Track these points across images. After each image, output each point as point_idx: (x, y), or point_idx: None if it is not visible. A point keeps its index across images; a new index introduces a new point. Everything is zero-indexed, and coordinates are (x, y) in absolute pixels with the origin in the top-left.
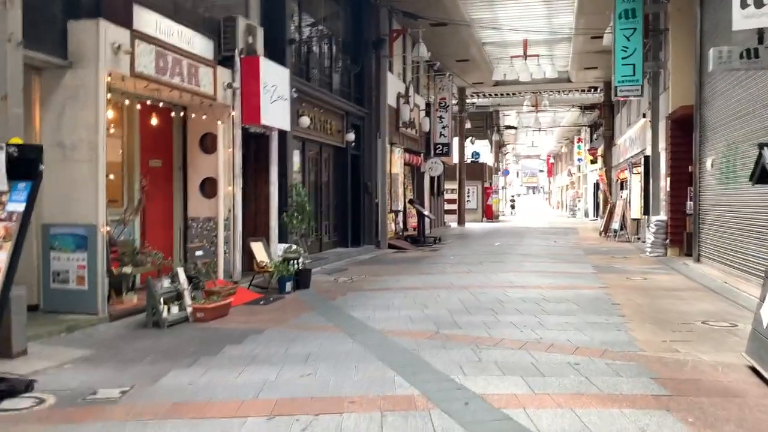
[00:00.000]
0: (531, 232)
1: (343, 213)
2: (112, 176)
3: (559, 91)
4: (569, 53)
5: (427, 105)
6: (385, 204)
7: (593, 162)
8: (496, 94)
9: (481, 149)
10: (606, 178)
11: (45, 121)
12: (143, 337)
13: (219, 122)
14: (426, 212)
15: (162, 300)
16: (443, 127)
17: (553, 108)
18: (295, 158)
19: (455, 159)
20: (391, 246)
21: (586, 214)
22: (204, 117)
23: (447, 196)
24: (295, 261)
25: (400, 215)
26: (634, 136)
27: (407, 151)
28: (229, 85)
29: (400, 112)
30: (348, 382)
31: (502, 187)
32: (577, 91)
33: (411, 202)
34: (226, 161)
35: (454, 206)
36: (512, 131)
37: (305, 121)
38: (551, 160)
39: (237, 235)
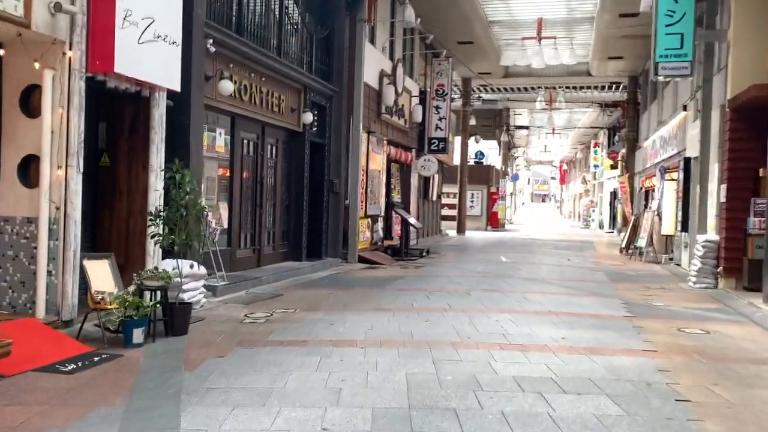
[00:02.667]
0: (540, 245)
1: (297, 217)
2: None
3: (576, 87)
4: (590, 40)
5: (422, 93)
6: (357, 207)
7: (613, 167)
8: (505, 89)
9: (488, 150)
10: (628, 186)
11: None
12: None
13: (47, 69)
14: (411, 219)
15: None
16: (440, 119)
17: (569, 107)
18: (218, 139)
19: (456, 159)
20: (362, 260)
21: (601, 226)
22: (28, 60)
23: (445, 200)
24: (158, 292)
25: (380, 221)
26: (669, 136)
27: (393, 144)
28: (58, 6)
29: (383, 95)
30: None
31: (511, 194)
32: (596, 88)
33: (392, 206)
34: (56, 130)
35: (454, 212)
36: (523, 132)
37: (226, 87)
38: (564, 167)
39: (72, 247)
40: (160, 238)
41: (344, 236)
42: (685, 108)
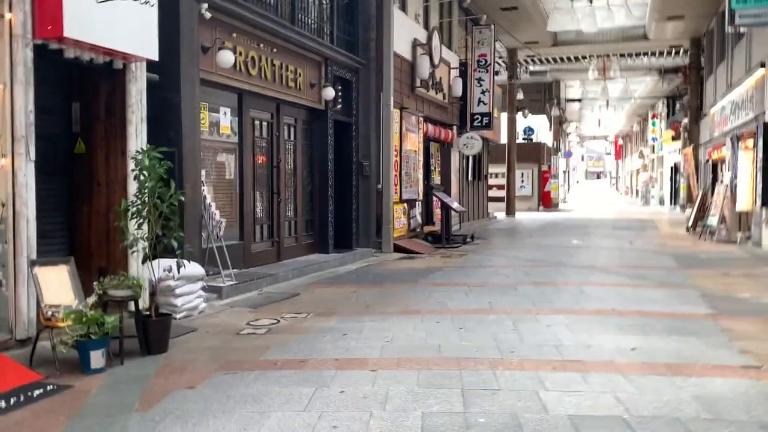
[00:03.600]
0: (597, 225)
1: (322, 205)
2: None
3: (632, 55)
4: None
5: (462, 64)
6: (390, 191)
7: (675, 139)
8: (554, 59)
9: (538, 126)
10: (693, 158)
11: None
12: None
13: None
14: (452, 203)
15: None
16: (483, 93)
17: (624, 76)
18: (222, 120)
19: (503, 137)
20: (398, 249)
21: (662, 202)
22: None
23: (493, 181)
24: (128, 301)
25: (419, 206)
26: (742, 99)
27: (430, 121)
28: None
29: (417, 67)
30: None
31: (564, 171)
32: (654, 55)
33: (431, 189)
34: None
35: (503, 193)
36: (575, 106)
37: (226, 58)
38: (620, 142)
39: (24, 252)
40: (129, 237)
41: (377, 224)
42: (763, 65)
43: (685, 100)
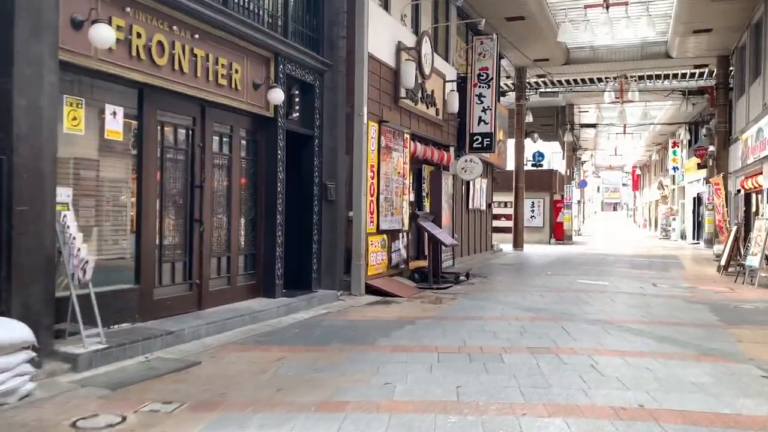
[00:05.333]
0: (613, 262)
1: (269, 236)
2: None
3: (652, 77)
4: (671, 8)
5: (461, 78)
6: (363, 220)
7: (701, 167)
8: (567, 81)
9: (551, 154)
10: (722, 188)
11: None
12: None
13: None
14: (441, 235)
15: None
16: (484, 111)
17: (644, 99)
18: (110, 122)
19: (511, 163)
20: (372, 290)
21: (683, 236)
22: None
23: (500, 210)
24: None
25: (404, 238)
26: None
27: (419, 139)
28: None
29: (402, 75)
30: None
31: (578, 201)
32: (676, 77)
33: (415, 217)
34: None
35: (510, 224)
36: (590, 134)
37: (102, 35)
38: (637, 172)
39: None
40: None
41: (347, 260)
42: None
43: (712, 124)
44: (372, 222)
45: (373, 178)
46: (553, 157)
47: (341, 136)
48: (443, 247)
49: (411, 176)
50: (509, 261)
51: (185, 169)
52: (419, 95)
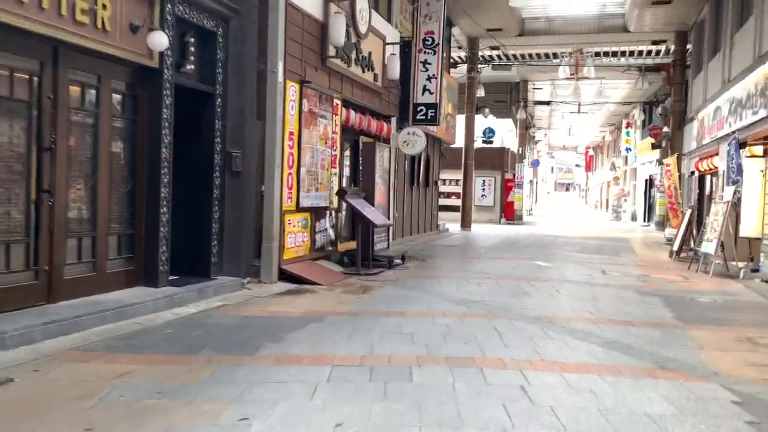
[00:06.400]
0: (563, 244)
1: (152, 212)
2: None
3: (608, 54)
4: None
5: (404, 43)
6: (278, 196)
7: (655, 147)
8: (522, 55)
9: (505, 132)
10: (675, 170)
11: None
12: None
13: None
14: (372, 214)
15: None
16: (429, 79)
17: (599, 76)
18: None
19: (459, 139)
20: (288, 277)
21: (634, 218)
22: None
23: (449, 188)
24: None
25: (331, 216)
26: (748, 93)
27: (353, 106)
28: None
29: (330, 30)
30: None
31: (530, 181)
32: (632, 55)
33: (342, 193)
34: None
35: (460, 202)
36: (544, 112)
37: None
38: (590, 152)
39: None
40: None
41: (258, 240)
42: None
43: (668, 103)
44: (290, 198)
45: (292, 148)
46: (507, 135)
47: (251, 97)
48: (376, 228)
49: (343, 148)
50: (454, 242)
51: (28, 128)
52: (353, 56)
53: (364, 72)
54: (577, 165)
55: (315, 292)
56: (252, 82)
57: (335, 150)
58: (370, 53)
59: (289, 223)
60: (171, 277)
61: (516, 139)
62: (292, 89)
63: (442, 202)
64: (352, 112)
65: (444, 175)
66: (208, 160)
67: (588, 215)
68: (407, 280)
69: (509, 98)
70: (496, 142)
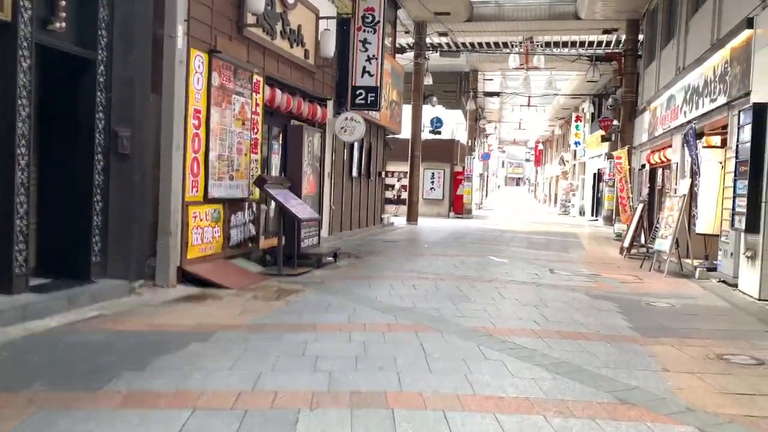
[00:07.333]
0: (510, 239)
1: (4, 201)
2: None
3: (558, 44)
4: None
5: (342, 19)
6: (180, 184)
7: (605, 139)
8: (472, 45)
9: (455, 125)
10: (626, 163)
11: None
12: None
13: None
14: (296, 207)
15: None
16: (369, 60)
17: (549, 67)
18: None
19: (406, 129)
20: (193, 279)
21: (582, 212)
22: None
23: (395, 181)
24: None
25: (251, 209)
26: (705, 80)
27: (279, 85)
28: None
29: None
30: None
31: (480, 174)
32: (583, 45)
33: (261, 182)
34: None
35: (405, 195)
36: (495, 105)
37: None
38: (540, 147)
39: None
40: None
41: (153, 234)
42: (750, 24)
43: (618, 94)
44: (196, 187)
45: (198, 128)
46: (457, 127)
47: (144, 66)
48: (303, 222)
49: (271, 133)
50: (397, 237)
51: None
52: (279, 28)
53: (292, 47)
54: (527, 160)
55: (220, 297)
56: (146, 48)
57: (256, 133)
58: (299, 26)
59: (195, 216)
60: (37, 281)
61: (466, 132)
62: (199, 59)
63: (390, 195)
64: (279, 91)
65: (391, 167)
66: (87, 139)
67: (537, 210)
68: (334, 281)
69: (459, 89)
70: (446, 134)
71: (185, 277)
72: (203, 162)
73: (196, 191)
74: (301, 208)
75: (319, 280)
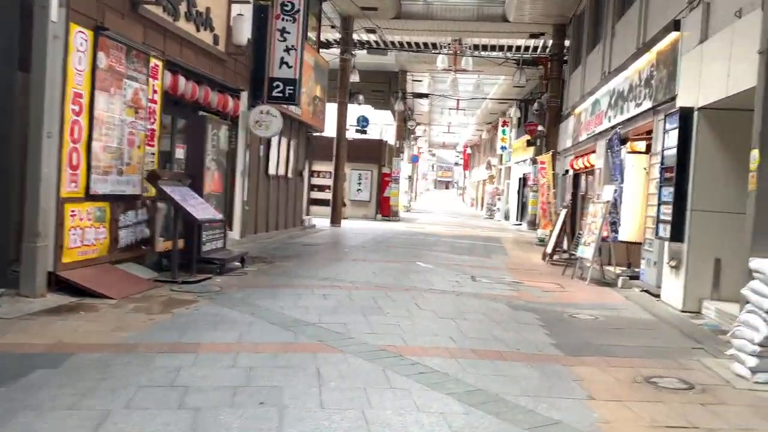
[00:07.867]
0: (433, 243)
1: None
2: None
3: (487, 47)
4: None
5: (259, 6)
6: (56, 177)
7: (530, 144)
8: (401, 44)
9: (383, 126)
10: (549, 168)
11: None
12: None
13: None
14: (194, 207)
15: None
16: (288, 51)
17: (477, 71)
18: None
19: (330, 128)
20: (65, 286)
21: (507, 217)
22: None
23: (319, 180)
24: None
25: (144, 208)
26: (631, 84)
27: (182, 72)
28: None
29: None
30: None
31: (409, 177)
32: (511, 50)
33: (154, 177)
34: None
35: (330, 196)
36: (425, 107)
37: None
38: (468, 151)
39: None
40: None
41: (17, 238)
42: (677, 26)
43: (544, 99)
44: (75, 182)
45: (79, 114)
46: (386, 128)
47: (9, 39)
48: (205, 224)
49: (174, 124)
50: (317, 240)
51: None
52: (183, 9)
53: (199, 31)
54: (456, 163)
55: (96, 309)
56: (11, 17)
57: (153, 123)
58: (208, 9)
59: (74, 215)
60: None
61: (395, 133)
62: (81, 37)
63: (315, 195)
64: (183, 78)
65: (317, 167)
66: None
67: (464, 213)
68: (234, 290)
69: (388, 89)
70: (374, 135)
71: (60, 285)
72: (85, 153)
73: (76, 186)
74: (201, 208)
75: (217, 289)
